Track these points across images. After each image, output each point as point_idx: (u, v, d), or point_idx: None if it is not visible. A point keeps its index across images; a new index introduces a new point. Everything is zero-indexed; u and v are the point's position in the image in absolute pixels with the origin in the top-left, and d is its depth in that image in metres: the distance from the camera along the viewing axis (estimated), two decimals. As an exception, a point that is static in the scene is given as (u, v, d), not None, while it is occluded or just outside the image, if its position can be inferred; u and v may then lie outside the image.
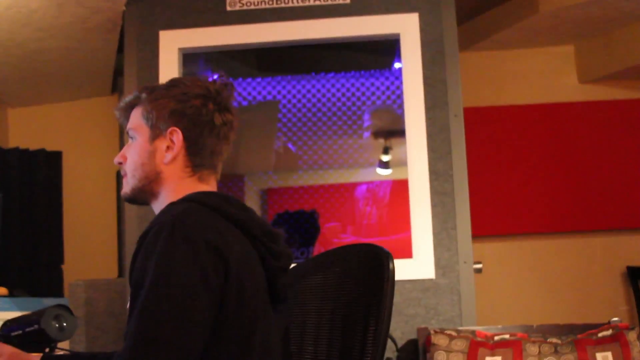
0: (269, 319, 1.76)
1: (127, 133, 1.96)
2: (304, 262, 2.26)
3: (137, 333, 1.53)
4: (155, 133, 1.88)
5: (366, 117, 4.07)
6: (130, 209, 3.81)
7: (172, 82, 1.94)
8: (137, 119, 1.92)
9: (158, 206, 1.90)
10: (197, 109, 1.87)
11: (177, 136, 1.86)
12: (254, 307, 1.69)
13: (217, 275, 1.61)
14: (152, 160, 1.88)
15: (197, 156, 1.88)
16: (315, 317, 2.08)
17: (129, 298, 1.68)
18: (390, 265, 1.83)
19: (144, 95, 1.93)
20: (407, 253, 3.72)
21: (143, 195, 1.92)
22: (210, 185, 1.92)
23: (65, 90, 5.82)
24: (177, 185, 1.87)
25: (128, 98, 1.97)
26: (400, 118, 3.91)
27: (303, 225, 4.05)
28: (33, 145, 5.99)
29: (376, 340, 1.77)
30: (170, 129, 1.86)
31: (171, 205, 1.75)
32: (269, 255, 1.79)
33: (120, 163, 1.95)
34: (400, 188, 3.92)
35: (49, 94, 5.94)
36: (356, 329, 1.84)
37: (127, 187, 1.93)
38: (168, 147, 1.87)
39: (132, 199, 1.95)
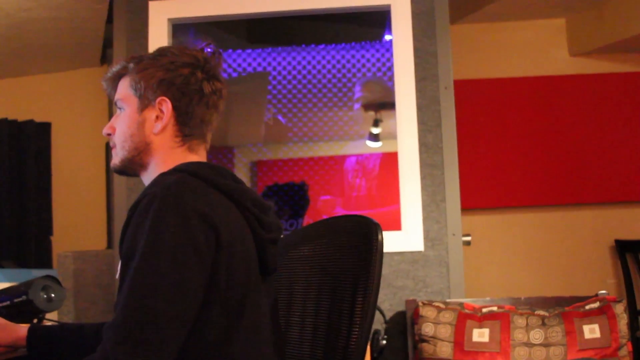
0: (259, 290, 1.75)
1: (115, 104, 1.94)
2: (291, 233, 2.25)
3: (129, 304, 1.52)
4: (144, 103, 1.86)
5: (357, 88, 4.06)
6: (119, 181, 3.80)
7: (160, 51, 1.92)
8: (125, 89, 1.90)
9: (148, 177, 1.89)
10: (185, 78, 1.86)
11: (167, 105, 1.84)
12: (245, 277, 1.68)
13: (208, 245, 1.60)
14: (142, 131, 1.86)
15: (186, 125, 1.87)
16: (302, 288, 2.08)
17: (118, 268, 1.67)
18: (379, 237, 1.83)
19: (131, 65, 1.91)
20: (396, 225, 3.73)
21: (133, 166, 1.90)
22: (199, 156, 1.91)
23: (55, 61, 5.80)
24: (166, 156, 1.86)
25: (115, 68, 1.95)
26: (390, 90, 3.90)
27: (293, 197, 4.05)
28: (22, 116, 5.98)
29: (364, 312, 1.77)
30: (159, 99, 1.84)
31: (162, 175, 1.74)
32: (259, 227, 1.78)
33: (109, 134, 1.94)
34: (389, 160, 3.92)
35: (38, 65, 5.91)
36: (344, 301, 1.84)
37: (116, 158, 1.92)
38: (157, 117, 1.85)
39: (122, 171, 1.94)
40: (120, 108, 1.92)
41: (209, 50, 1.95)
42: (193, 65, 1.88)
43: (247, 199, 1.77)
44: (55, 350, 2.06)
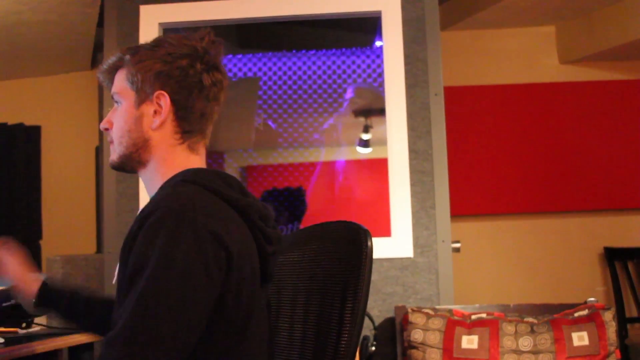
0: (261, 304, 1.74)
1: (112, 97, 1.88)
2: (283, 238, 2.25)
3: (133, 322, 1.48)
4: (141, 97, 1.80)
5: (348, 93, 4.06)
6: (109, 185, 3.79)
7: (157, 42, 1.85)
8: (121, 82, 1.84)
9: (147, 175, 1.85)
10: (184, 70, 1.79)
11: (165, 100, 1.78)
12: (251, 295, 1.67)
13: (220, 268, 1.57)
14: (139, 126, 1.80)
15: (186, 121, 1.81)
16: (291, 293, 2.07)
17: (116, 273, 1.64)
18: (369, 243, 1.82)
19: (127, 57, 1.84)
20: (384, 231, 3.73)
21: (131, 163, 1.85)
22: (200, 155, 1.86)
23: (45, 65, 5.79)
24: (166, 154, 1.81)
25: (111, 60, 1.88)
26: (379, 96, 3.91)
27: (293, 202, 4.05)
28: (12, 119, 5.96)
29: (353, 318, 1.76)
30: (157, 93, 1.78)
31: (173, 188, 1.68)
32: (264, 241, 1.76)
33: (106, 129, 1.88)
34: (378, 167, 3.92)
35: (28, 68, 5.90)
36: (333, 307, 1.83)
37: (114, 154, 1.86)
38: (155, 112, 1.79)
39: (120, 167, 1.87)
40: (117, 102, 1.86)
41: (208, 38, 1.87)
42: (191, 56, 1.82)
43: (254, 213, 1.74)
44: (60, 313, 2.09)
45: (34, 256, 5.79)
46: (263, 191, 4.08)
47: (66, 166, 6.01)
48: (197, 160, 1.85)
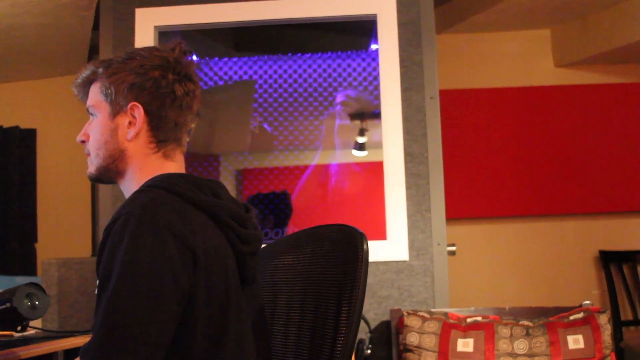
0: (240, 304, 1.74)
1: (87, 110, 1.89)
2: (275, 242, 2.24)
3: (104, 328, 1.51)
4: (116, 109, 1.83)
5: (338, 99, 4.06)
6: (104, 188, 3.79)
7: (129, 55, 1.88)
8: (95, 95, 1.87)
9: (125, 185, 1.86)
10: (156, 81, 1.82)
11: (139, 111, 1.80)
12: (225, 293, 1.67)
13: (185, 268, 1.58)
14: (115, 138, 1.82)
15: (160, 130, 1.83)
16: (286, 297, 2.07)
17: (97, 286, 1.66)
18: (365, 246, 1.82)
19: (100, 69, 1.87)
20: (379, 235, 3.73)
21: (109, 174, 1.87)
22: (176, 162, 1.87)
23: (40, 68, 5.78)
24: (142, 163, 1.83)
25: (84, 73, 1.90)
26: (369, 101, 3.92)
27: (278, 205, 4.05)
28: (7, 122, 5.96)
29: (349, 321, 1.76)
30: (130, 104, 1.81)
31: (137, 193, 1.69)
32: (238, 241, 1.76)
33: (83, 142, 1.90)
34: (374, 170, 3.92)
35: (24, 71, 5.89)
36: (329, 310, 1.83)
37: (92, 166, 1.88)
38: (130, 123, 1.82)
39: (98, 179, 1.90)
40: (92, 114, 1.88)
41: (179, 49, 1.90)
42: (163, 67, 1.84)
43: (224, 214, 1.74)
44: None
45: (29, 259, 5.81)
46: (248, 195, 4.08)
47: (61, 169, 6.00)
48: (173, 167, 1.86)
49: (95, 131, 1.86)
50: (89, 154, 1.89)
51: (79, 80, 1.92)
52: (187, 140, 1.94)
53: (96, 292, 1.62)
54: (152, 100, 1.81)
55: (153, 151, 1.84)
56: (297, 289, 2.02)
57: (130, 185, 1.83)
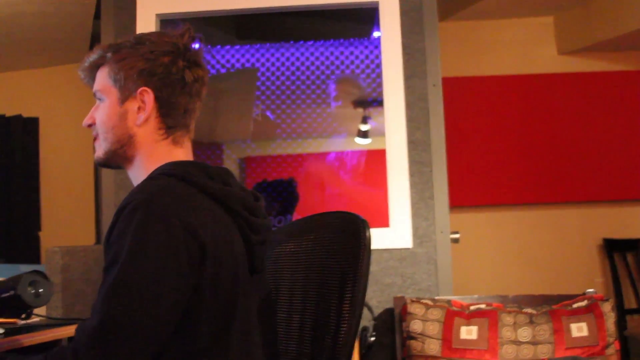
0: (248, 293, 1.74)
1: (94, 94, 1.88)
2: (277, 230, 2.23)
3: (105, 311, 1.51)
4: (125, 95, 1.81)
5: (332, 87, 4.05)
6: (107, 176, 3.79)
7: (138, 40, 1.85)
8: (104, 80, 1.85)
9: (134, 171, 1.85)
10: (166, 68, 1.81)
11: (149, 96, 1.79)
12: (233, 283, 1.67)
13: (191, 258, 1.58)
14: (124, 123, 1.81)
15: (169, 117, 1.82)
16: (288, 285, 2.06)
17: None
18: (367, 233, 1.82)
19: (109, 54, 1.85)
20: (381, 222, 3.73)
21: (117, 159, 1.85)
22: (184, 148, 1.86)
23: (42, 56, 5.78)
24: (152, 150, 1.81)
25: (92, 57, 1.88)
26: (364, 87, 3.91)
27: (281, 193, 4.04)
28: (9, 111, 5.96)
29: (352, 308, 1.76)
30: (140, 89, 1.79)
31: (148, 180, 1.70)
32: (248, 230, 1.76)
33: (89, 125, 1.88)
34: (373, 157, 3.92)
35: (26, 60, 5.89)
36: (332, 297, 1.83)
37: (100, 150, 1.86)
38: (139, 108, 1.80)
39: (106, 163, 1.88)
40: (99, 99, 1.86)
41: (188, 35, 1.89)
42: (174, 53, 1.83)
43: (236, 203, 1.74)
44: None
45: (33, 247, 5.82)
46: (253, 182, 4.08)
47: (64, 158, 6.01)
48: (182, 153, 1.85)
49: (103, 115, 1.84)
50: (96, 138, 1.87)
51: (85, 64, 1.90)
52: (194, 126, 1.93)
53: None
54: (163, 87, 1.80)
55: (162, 137, 1.82)
56: (300, 276, 2.02)
57: (139, 172, 1.82)
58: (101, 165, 1.90)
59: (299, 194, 4.06)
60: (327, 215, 2.05)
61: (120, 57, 1.82)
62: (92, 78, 1.89)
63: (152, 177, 1.71)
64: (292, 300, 2.03)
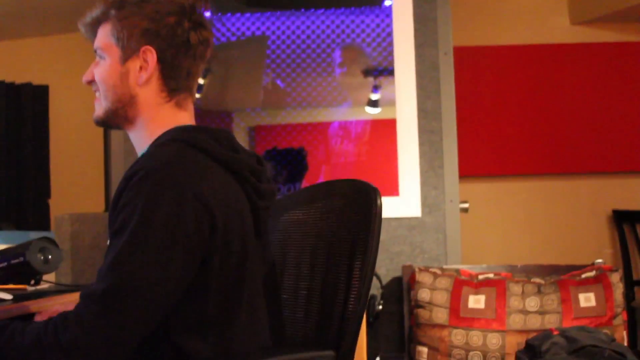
0: (256, 262, 1.74)
1: (95, 51, 1.83)
2: (285, 197, 2.22)
3: (111, 277, 1.51)
4: (127, 54, 1.77)
5: (337, 54, 4.03)
6: (117, 144, 3.80)
7: None
8: (106, 37, 1.80)
9: (136, 133, 1.82)
10: (171, 29, 1.76)
11: (151, 56, 1.74)
12: (242, 254, 1.67)
13: (200, 228, 1.57)
14: (125, 82, 1.77)
15: (172, 79, 1.78)
16: (296, 252, 2.06)
17: (108, 236, 1.65)
18: (378, 201, 1.81)
19: (112, 11, 1.80)
20: (392, 191, 3.73)
21: (116, 119, 1.82)
22: (188, 111, 1.83)
23: (52, 24, 5.77)
24: (154, 113, 1.78)
25: (94, 13, 1.84)
26: (369, 56, 3.90)
27: (291, 162, 4.04)
28: (19, 78, 5.96)
29: (362, 276, 1.76)
30: (143, 48, 1.75)
31: (159, 147, 1.68)
32: (255, 196, 1.75)
33: (89, 82, 1.84)
34: (379, 126, 3.92)
35: (36, 28, 5.88)
36: (341, 265, 1.83)
37: (99, 109, 1.83)
38: (141, 68, 1.76)
39: (104, 122, 1.84)
40: (100, 57, 1.82)
41: None
42: (179, 13, 1.77)
43: (244, 168, 1.73)
44: None
45: (43, 214, 5.84)
46: (262, 152, 4.07)
47: (74, 125, 6.01)
48: (185, 117, 1.82)
49: (104, 74, 1.80)
50: (97, 96, 1.83)
51: (87, 19, 1.86)
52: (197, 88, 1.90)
53: (109, 241, 1.62)
54: (167, 48, 1.76)
55: (165, 100, 1.79)
56: (308, 244, 2.02)
57: (142, 135, 1.80)
58: (100, 124, 1.87)
59: (308, 164, 4.05)
60: (336, 183, 2.04)
61: (124, 15, 1.78)
62: (94, 33, 1.85)
63: (162, 143, 1.69)
64: (299, 268, 2.03)
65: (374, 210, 1.81)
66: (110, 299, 1.49)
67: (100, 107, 1.82)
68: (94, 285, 1.53)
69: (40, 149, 6.03)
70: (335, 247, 1.89)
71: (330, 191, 2.02)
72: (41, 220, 5.86)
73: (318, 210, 2.03)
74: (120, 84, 1.77)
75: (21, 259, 2.25)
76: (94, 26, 1.85)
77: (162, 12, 1.76)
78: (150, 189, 1.55)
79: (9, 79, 5.94)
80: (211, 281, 1.61)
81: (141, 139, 1.80)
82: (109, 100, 1.79)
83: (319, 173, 4.06)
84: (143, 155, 1.68)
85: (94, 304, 1.50)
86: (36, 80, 6.01)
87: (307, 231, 2.04)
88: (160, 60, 1.76)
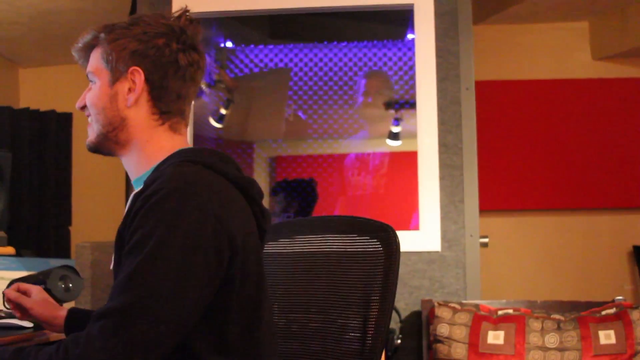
0: (266, 281, 1.73)
1: (87, 76, 1.84)
2: (298, 222, 2.21)
3: (125, 298, 1.47)
4: (116, 76, 1.76)
5: (362, 82, 4.05)
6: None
7: (133, 20, 1.80)
8: (96, 61, 1.81)
9: (131, 157, 1.80)
10: (159, 50, 1.75)
11: (139, 76, 1.74)
12: (259, 274, 1.66)
13: (220, 251, 1.56)
14: (115, 104, 1.76)
15: (162, 101, 1.76)
16: (308, 284, 2.06)
17: (112, 259, 1.64)
18: (397, 241, 1.82)
19: (102, 35, 1.79)
20: (413, 225, 3.73)
21: (107, 143, 1.81)
22: (183, 135, 1.81)
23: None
24: (148, 136, 1.77)
25: (85, 38, 1.84)
26: (392, 84, 3.92)
27: (301, 193, 4.05)
28: (44, 106, 6.01)
29: (381, 311, 1.76)
30: (131, 69, 1.74)
31: (175, 167, 1.64)
32: (262, 218, 1.75)
33: (81, 108, 1.85)
34: (398, 158, 3.93)
35: (60, 55, 5.94)
36: (359, 300, 1.83)
37: (92, 134, 1.82)
38: (129, 89, 1.75)
39: (97, 148, 1.83)
40: (91, 81, 1.82)
41: (186, 17, 1.84)
42: (168, 35, 1.77)
43: (254, 191, 1.73)
44: None
45: (64, 242, 5.85)
46: (273, 183, 4.08)
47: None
48: (182, 141, 1.81)
49: (94, 97, 1.80)
50: (89, 121, 1.83)
51: (79, 45, 1.86)
52: (190, 113, 1.88)
53: (111, 265, 1.60)
54: (154, 69, 1.75)
55: (158, 123, 1.77)
56: (322, 273, 2.01)
57: (138, 159, 1.79)
58: (92, 150, 1.86)
59: (318, 194, 4.05)
60: (352, 220, 2.03)
61: (113, 38, 1.77)
62: (86, 59, 1.86)
63: (177, 164, 1.66)
64: (312, 300, 2.02)
65: (394, 247, 1.81)
66: (121, 316, 1.46)
67: (93, 131, 1.82)
68: (106, 304, 1.50)
69: (62, 176, 6.07)
70: (350, 287, 1.88)
71: (344, 226, 2.02)
72: (62, 248, 5.88)
73: (335, 241, 2.02)
74: (110, 106, 1.77)
75: (42, 286, 2.25)
76: (87, 51, 1.86)
77: (150, 33, 1.76)
78: (173, 209, 1.53)
79: (33, 106, 5.98)
80: (232, 302, 1.60)
81: (137, 163, 1.79)
82: (100, 124, 1.79)
83: (334, 205, 4.06)
84: (154, 176, 1.64)
85: (105, 322, 1.46)
86: (60, 108, 6.06)
87: (317, 263, 2.04)
88: (148, 81, 1.75)
